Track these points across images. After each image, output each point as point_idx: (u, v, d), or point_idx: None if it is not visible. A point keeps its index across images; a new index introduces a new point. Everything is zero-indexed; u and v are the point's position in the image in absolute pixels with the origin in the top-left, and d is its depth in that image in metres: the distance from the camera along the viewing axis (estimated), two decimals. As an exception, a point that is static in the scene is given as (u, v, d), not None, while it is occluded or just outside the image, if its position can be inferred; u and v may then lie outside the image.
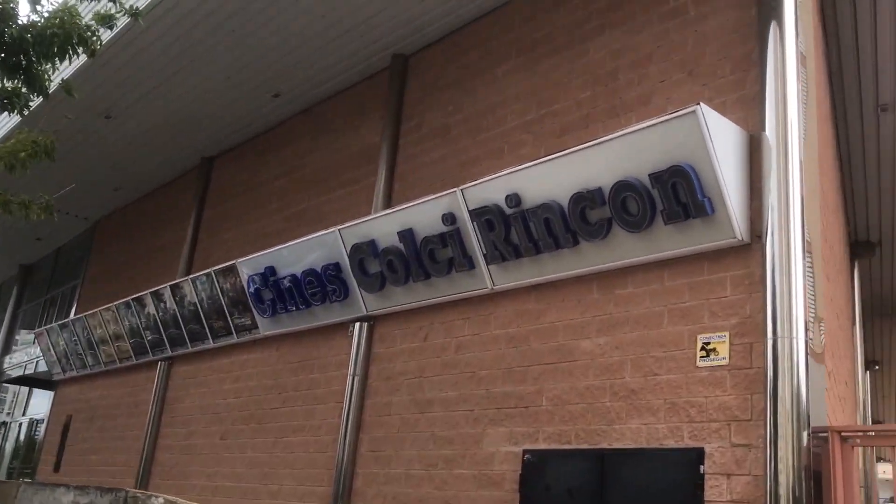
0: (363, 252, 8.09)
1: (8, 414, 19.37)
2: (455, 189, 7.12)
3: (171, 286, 11.18)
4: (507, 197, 6.62)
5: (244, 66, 10.12)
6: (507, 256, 6.79)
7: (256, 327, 9.85)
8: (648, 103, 6.50)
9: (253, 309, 9.73)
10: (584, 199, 6.10)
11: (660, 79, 6.51)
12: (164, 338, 11.55)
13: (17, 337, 19.87)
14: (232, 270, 9.93)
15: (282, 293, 9.21)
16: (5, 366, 19.36)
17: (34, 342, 17.52)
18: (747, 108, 5.83)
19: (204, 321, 10.68)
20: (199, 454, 10.42)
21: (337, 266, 8.43)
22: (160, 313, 11.51)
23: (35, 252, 19.03)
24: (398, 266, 7.75)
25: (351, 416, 8.17)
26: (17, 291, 19.98)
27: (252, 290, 9.58)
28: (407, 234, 7.57)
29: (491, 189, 6.81)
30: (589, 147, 6.07)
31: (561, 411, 6.32)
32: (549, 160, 6.38)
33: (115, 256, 14.98)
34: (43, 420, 15.56)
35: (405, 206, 7.67)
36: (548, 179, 6.37)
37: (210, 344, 10.70)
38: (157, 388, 11.72)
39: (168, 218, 13.49)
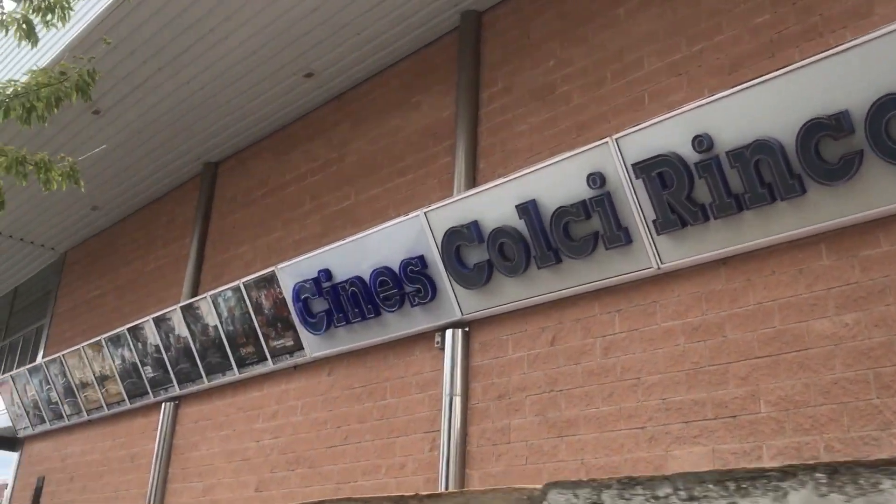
0: (462, 238, 6.41)
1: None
2: (606, 139, 5.53)
3: (181, 308, 9.25)
4: (695, 140, 5.05)
5: (271, 38, 8.44)
6: (689, 220, 5.19)
7: (301, 349, 8.02)
8: (871, 13, 5.04)
9: (298, 326, 7.91)
10: (822, 129, 4.57)
11: (883, -18, 5.07)
12: (171, 373, 9.57)
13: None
14: (269, 280, 8.11)
15: (340, 302, 7.43)
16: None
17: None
18: None
19: (227, 348, 8.78)
20: (227, 511, 8.44)
21: (421, 260, 6.73)
22: (165, 344, 9.55)
23: (-15, 296, 16.74)
24: (514, 250, 6.10)
25: (452, 448, 6.39)
26: (-35, 341, 17.54)
27: (298, 301, 7.77)
28: (529, 207, 5.93)
29: (665, 132, 5.23)
30: (830, 56, 4.56)
31: (795, 417, 4.69)
32: (759, 83, 4.84)
33: (91, 288, 12.91)
34: (5, 485, 13.21)
35: (528, 170, 6.03)
36: (758, 109, 4.83)
37: (235, 375, 8.80)
38: (161, 434, 9.70)
39: (161, 237, 11.56)
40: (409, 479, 6.74)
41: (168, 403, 9.77)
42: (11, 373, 12.65)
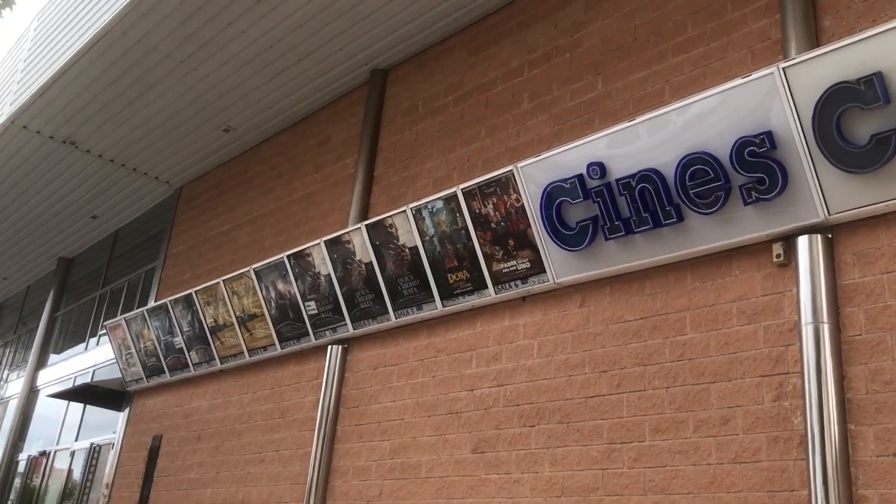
0: (852, 97, 4.54)
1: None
2: None
3: (366, 227, 7.52)
4: None
5: None
6: None
7: (541, 272, 6.24)
8: None
9: (543, 241, 6.12)
10: None
11: None
12: (343, 310, 7.85)
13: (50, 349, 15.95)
14: (503, 184, 6.33)
15: (616, 205, 5.62)
16: (39, 383, 15.42)
17: (91, 346, 13.73)
18: None
19: (428, 275, 7.02)
20: (431, 477, 6.68)
21: (769, 137, 4.88)
22: (339, 273, 7.83)
23: (80, 239, 15.24)
24: (950, 111, 4.22)
25: (826, 395, 4.53)
26: (55, 291, 16.10)
27: (549, 208, 5.98)
28: None
29: None
30: None
31: None
32: None
33: (216, 224, 11.30)
34: (111, 445, 11.66)
35: None
36: None
37: (436, 309, 7.04)
38: (327, 384, 7.99)
39: (311, 160, 9.89)
40: (740, 438, 4.91)
41: (335, 346, 8.06)
42: (125, 315, 11.07)
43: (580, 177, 5.78)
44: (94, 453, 12.20)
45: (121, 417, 11.64)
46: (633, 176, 5.49)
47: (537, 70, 7.36)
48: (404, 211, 7.13)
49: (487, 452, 6.33)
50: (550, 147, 6.49)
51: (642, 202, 5.48)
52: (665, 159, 5.35)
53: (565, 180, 5.87)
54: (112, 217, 13.93)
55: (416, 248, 7.09)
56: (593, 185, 5.71)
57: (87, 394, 12.26)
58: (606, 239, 5.74)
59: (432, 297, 7.05)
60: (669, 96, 6.07)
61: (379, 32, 8.68)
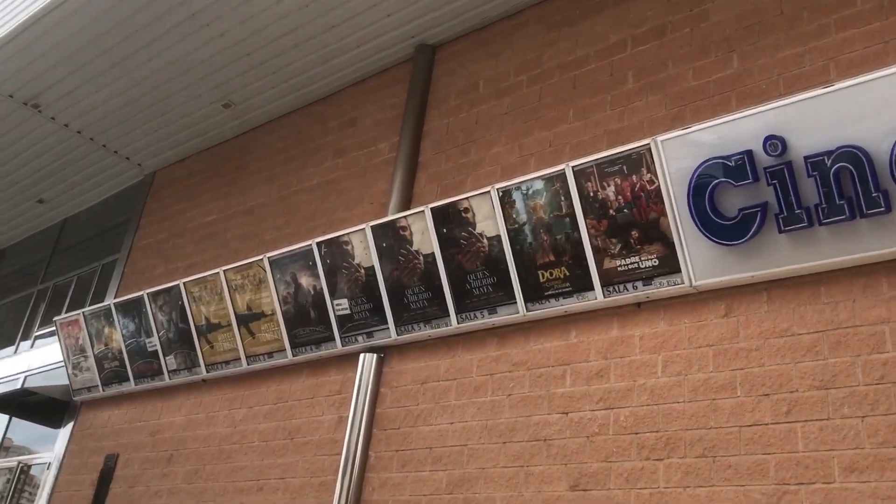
0: None
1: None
2: None
3: (432, 211, 6.26)
4: None
5: None
6: None
7: (673, 271, 5.12)
8: None
9: (685, 232, 5.02)
10: None
11: None
12: (387, 310, 6.53)
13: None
14: (632, 162, 5.22)
15: (798, 191, 4.58)
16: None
17: (23, 349, 11.85)
18: None
19: (511, 271, 5.81)
20: (510, 519, 5.39)
21: None
22: (386, 265, 6.53)
23: (18, 227, 13.32)
24: None
25: None
26: (-21, 285, 14.08)
27: (698, 194, 4.90)
28: None
29: None
30: None
31: None
32: None
33: (198, 214, 9.80)
34: (47, 465, 9.81)
35: None
36: None
37: (517, 314, 5.82)
38: (359, 399, 6.61)
39: (331, 144, 8.60)
40: None
41: (369, 355, 6.70)
42: (85, 310, 9.39)
43: (749, 153, 4.72)
44: (22, 475, 10.30)
45: (60, 433, 9.84)
46: (828, 153, 4.46)
47: (645, 46, 6.35)
48: (488, 192, 5.92)
49: (593, 490, 5.10)
50: (668, 128, 5.46)
51: (837, 186, 4.45)
52: (874, 134, 4.36)
53: (729, 157, 4.80)
54: (63, 203, 12.17)
55: (497, 237, 5.89)
56: (769, 163, 4.66)
57: (16, 403, 10.39)
58: (780, 231, 4.66)
59: (513, 298, 5.84)
60: (836, 75, 5.13)
61: (436, 0, 7.56)
